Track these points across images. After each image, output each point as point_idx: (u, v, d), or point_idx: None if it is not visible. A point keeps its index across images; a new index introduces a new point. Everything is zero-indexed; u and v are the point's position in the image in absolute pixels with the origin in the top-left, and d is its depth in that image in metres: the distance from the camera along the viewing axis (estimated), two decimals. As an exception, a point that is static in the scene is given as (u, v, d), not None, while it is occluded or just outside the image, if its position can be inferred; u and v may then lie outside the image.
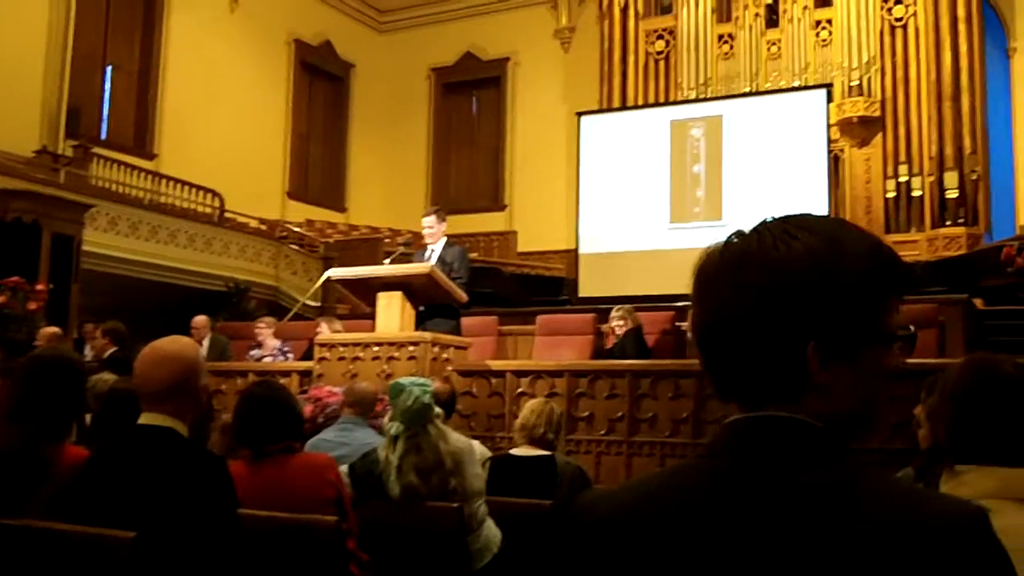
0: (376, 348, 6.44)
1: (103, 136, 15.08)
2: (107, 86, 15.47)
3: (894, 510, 0.92)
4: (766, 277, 1.00)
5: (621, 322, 7.90)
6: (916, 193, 14.10)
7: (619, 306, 8.26)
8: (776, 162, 13.25)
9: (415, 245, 8.41)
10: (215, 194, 14.77)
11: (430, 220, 7.45)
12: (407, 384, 3.53)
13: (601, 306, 9.96)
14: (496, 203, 18.57)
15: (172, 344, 2.62)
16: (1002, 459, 1.61)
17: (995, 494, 1.54)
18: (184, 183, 14.55)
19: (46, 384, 2.91)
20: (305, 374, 7.05)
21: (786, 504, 0.94)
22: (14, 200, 10.39)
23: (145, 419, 2.53)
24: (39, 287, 9.69)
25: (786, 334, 0.99)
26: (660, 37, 16.09)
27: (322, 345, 6.83)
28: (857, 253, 1.02)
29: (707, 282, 1.06)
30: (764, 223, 1.06)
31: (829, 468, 0.97)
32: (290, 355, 9.23)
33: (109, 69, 15.49)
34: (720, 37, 15.51)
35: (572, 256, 14.93)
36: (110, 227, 11.94)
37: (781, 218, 1.06)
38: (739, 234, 1.06)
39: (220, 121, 16.15)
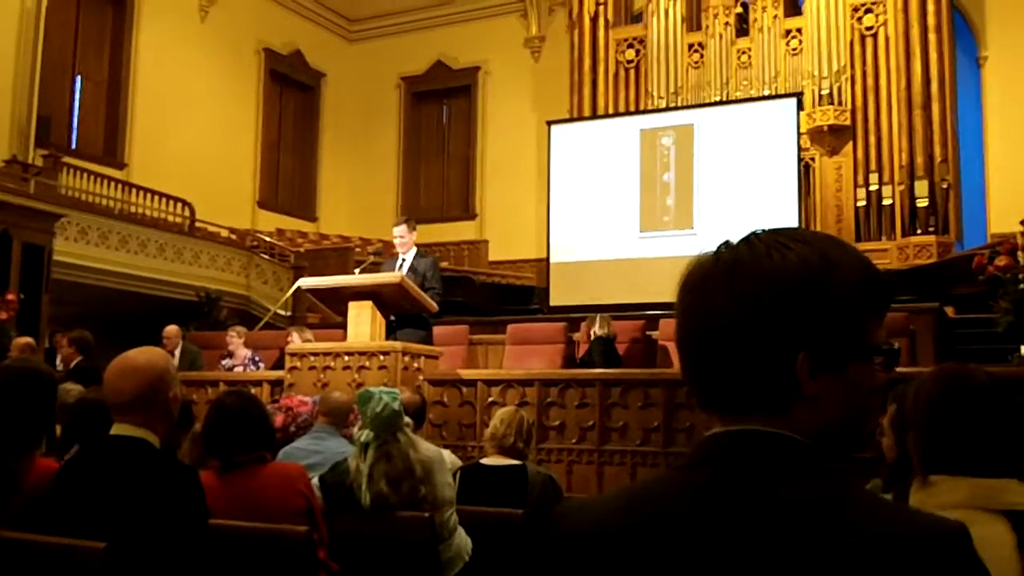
0: (347, 357, 6.44)
1: (73, 146, 14.99)
2: (77, 96, 15.38)
3: (876, 526, 0.92)
4: (760, 285, 1.00)
5: (594, 328, 7.95)
6: (887, 202, 14.24)
7: (597, 313, 8.31)
8: (746, 171, 13.35)
9: (386, 254, 8.43)
10: (185, 203, 14.70)
11: (401, 230, 7.47)
12: (376, 392, 3.55)
13: (572, 315, 10.02)
14: (467, 212, 18.60)
15: (142, 355, 2.62)
16: (974, 469, 1.62)
17: (967, 504, 1.56)
18: (154, 193, 14.48)
19: (14, 396, 2.90)
20: (276, 383, 7.04)
21: (769, 519, 0.94)
22: (-18, 210, 10.31)
23: (116, 430, 2.53)
24: (10, 297, 9.60)
25: (777, 343, 0.99)
26: (630, 46, 16.19)
27: (293, 355, 6.83)
28: (849, 266, 1.03)
29: (697, 290, 1.05)
30: (754, 234, 1.06)
31: (813, 483, 0.96)
32: (261, 364, 9.22)
33: (79, 79, 15.40)
34: (690, 46, 15.62)
35: (543, 265, 14.97)
36: (80, 237, 11.87)
37: (771, 230, 1.06)
38: (727, 244, 1.06)
39: (190, 130, 16.09)
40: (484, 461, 4.25)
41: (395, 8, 19.38)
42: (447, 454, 4.05)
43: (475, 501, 3.86)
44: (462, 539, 3.61)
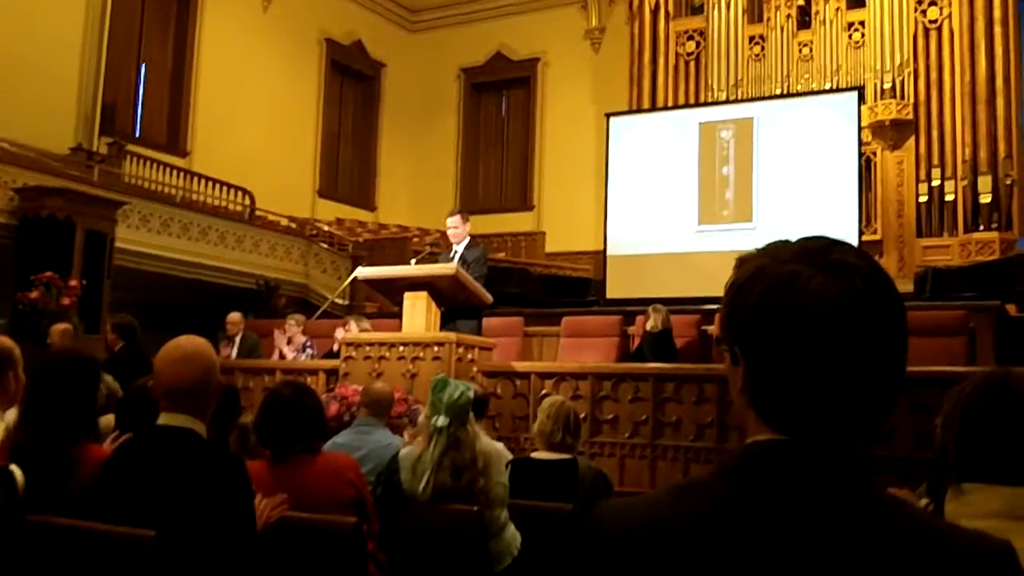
0: (401, 348, 6.47)
1: (137, 134, 15.22)
2: (141, 84, 15.62)
3: (920, 544, 0.92)
4: (900, 305, 1.01)
5: (649, 321, 7.88)
6: (949, 197, 13.94)
7: (654, 306, 8.23)
8: (806, 165, 13.16)
9: (443, 245, 8.44)
10: (246, 192, 14.87)
11: (454, 220, 7.49)
12: (451, 379, 3.58)
13: (628, 308, 9.95)
14: (524, 204, 18.57)
15: (190, 343, 2.62)
16: (1008, 477, 1.57)
17: (1004, 514, 1.51)
18: (215, 181, 14.66)
19: (59, 383, 2.92)
20: (332, 372, 7.09)
21: (813, 533, 0.93)
22: (48, 197, 10.52)
23: (164, 419, 2.55)
24: (72, 283, 9.80)
25: (901, 370, 1.01)
26: (691, 38, 16.02)
27: (348, 344, 6.87)
28: None
29: (853, 310, 0.98)
30: (849, 248, 1.03)
31: (858, 499, 0.96)
32: (312, 352, 9.27)
33: (143, 67, 15.63)
34: (751, 38, 15.41)
35: (600, 257, 14.90)
36: (142, 224, 12.05)
37: (851, 248, 1.03)
38: (853, 262, 1.01)
39: (251, 119, 16.26)
40: (534, 455, 4.23)
41: (455, -1, 19.42)
42: (502, 447, 4.05)
43: (524, 495, 3.85)
44: (512, 534, 3.61)
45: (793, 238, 1.05)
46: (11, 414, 3.05)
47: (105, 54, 14.17)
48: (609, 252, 14.36)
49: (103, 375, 4.42)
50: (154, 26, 15.71)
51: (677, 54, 16.05)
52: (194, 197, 14.27)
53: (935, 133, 14.18)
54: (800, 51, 15.03)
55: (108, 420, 3.85)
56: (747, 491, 0.98)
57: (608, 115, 15.12)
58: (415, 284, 6.69)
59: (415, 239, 16.06)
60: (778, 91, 14.79)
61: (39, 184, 10.73)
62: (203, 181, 14.59)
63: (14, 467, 2.57)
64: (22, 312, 9.56)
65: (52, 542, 2.52)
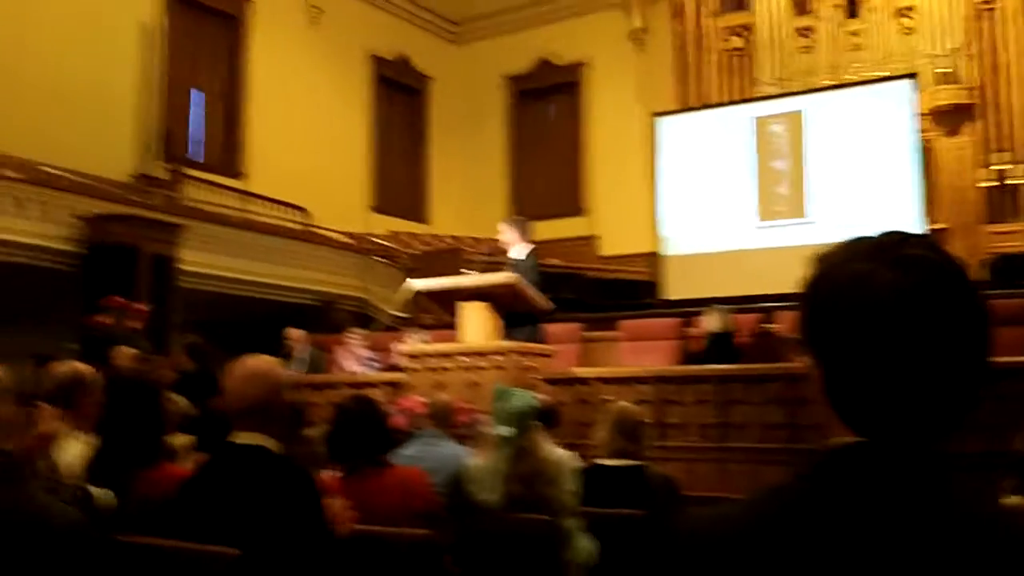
0: (462, 358, 6.50)
1: (194, 158, 15.48)
2: (196, 109, 15.89)
3: (1004, 548, 0.91)
4: (978, 301, 1.00)
5: (710, 322, 7.83)
6: (1014, 181, 13.65)
7: (713, 306, 8.18)
8: (862, 155, 12.98)
9: (497, 254, 8.47)
10: (301, 210, 15.04)
11: (501, 228, 7.53)
12: (513, 389, 3.59)
13: (686, 309, 9.89)
14: (576, 208, 18.54)
15: (258, 362, 2.67)
16: None
17: None
18: (272, 200, 14.88)
19: (126, 407, 2.98)
20: (395, 385, 7.15)
21: (892, 537, 0.92)
22: (113, 224, 10.74)
23: (237, 437, 2.59)
24: (140, 307, 9.98)
25: (982, 365, 0.99)
26: (736, 34, 15.90)
27: (409, 356, 6.92)
28: None
29: (925, 306, 0.97)
30: (919, 238, 1.02)
31: (938, 501, 0.95)
32: (377, 365, 9.38)
33: (198, 93, 15.91)
34: (799, 30, 15.26)
35: (655, 259, 14.83)
36: (203, 246, 12.23)
37: (925, 241, 1.02)
38: (925, 255, 1.00)
39: (304, 138, 16.46)
40: (601, 461, 4.23)
41: (498, 8, 19.45)
42: (568, 456, 4.04)
43: (594, 502, 3.84)
44: (584, 543, 3.60)
45: (870, 233, 1.04)
46: (90, 436, 3.13)
47: (161, 82, 14.45)
48: (664, 252, 14.29)
49: (174, 396, 4.51)
50: (206, 52, 15.98)
51: (723, 50, 15.94)
52: (252, 217, 14.47)
53: (996, 117, 13.91)
54: (850, 40, 14.84)
55: (182, 440, 3.93)
56: (827, 496, 0.97)
57: (655, 115, 15.05)
58: (472, 294, 6.72)
59: (469, 249, 16.11)
60: (829, 82, 14.61)
61: (103, 212, 10.95)
62: (260, 201, 14.81)
63: (96, 489, 2.63)
64: (92, 337, 9.76)
65: (138, 560, 2.57)
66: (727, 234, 13.70)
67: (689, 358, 7.93)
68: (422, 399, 5.64)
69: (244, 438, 2.58)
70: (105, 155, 13.23)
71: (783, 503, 1.00)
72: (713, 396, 5.93)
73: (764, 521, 0.99)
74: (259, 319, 12.07)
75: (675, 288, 13.74)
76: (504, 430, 3.53)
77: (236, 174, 15.69)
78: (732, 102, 15.24)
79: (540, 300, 6.74)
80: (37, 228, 10.56)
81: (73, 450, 3.10)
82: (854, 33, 14.84)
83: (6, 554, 2.08)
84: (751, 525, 1.00)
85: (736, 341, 7.97)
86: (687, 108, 15.58)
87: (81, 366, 3.53)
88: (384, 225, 18.01)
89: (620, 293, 14.00)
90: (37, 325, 10.98)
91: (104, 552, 2.48)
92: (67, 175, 11.40)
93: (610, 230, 17.75)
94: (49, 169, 11.52)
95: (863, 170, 12.89)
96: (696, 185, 14.16)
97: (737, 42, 15.89)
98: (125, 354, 8.44)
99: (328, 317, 12.90)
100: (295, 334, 9.89)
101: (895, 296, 0.97)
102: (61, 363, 3.65)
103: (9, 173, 10.94)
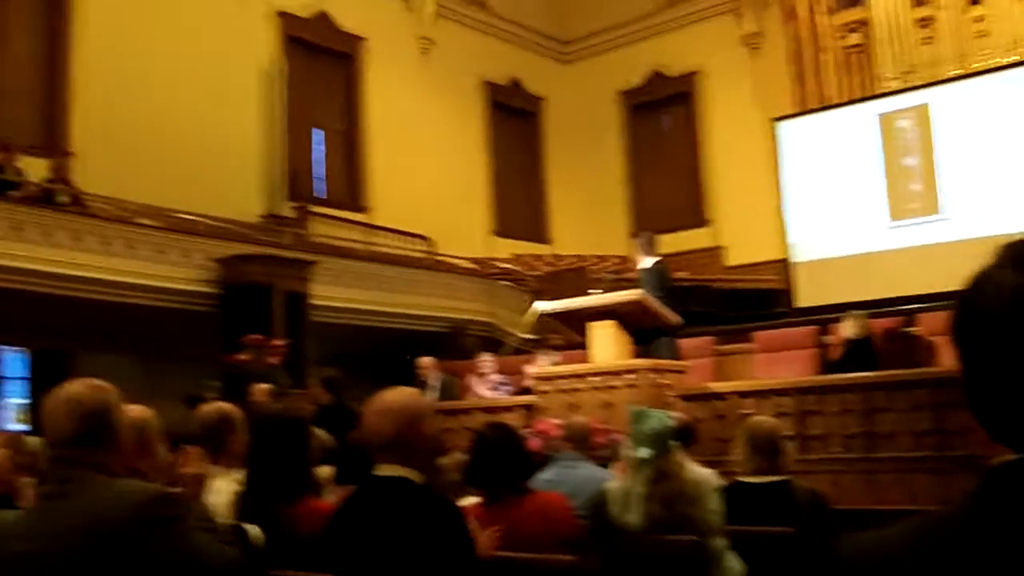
0: (594, 378, 6.47)
1: (318, 195, 15.92)
2: (318, 147, 16.35)
3: None
4: None
5: (846, 329, 7.62)
6: None
7: (850, 312, 7.95)
8: (997, 145, 12.45)
9: (622, 271, 8.41)
10: (425, 239, 15.29)
11: (633, 244, 7.49)
12: (649, 410, 3.55)
13: (821, 316, 9.64)
14: (698, 219, 18.31)
15: (396, 395, 2.70)
16: None
17: None
18: (396, 231, 15.19)
19: (273, 443, 3.03)
20: (528, 408, 7.16)
21: None
22: (247, 264, 11.11)
23: (379, 470, 2.62)
24: (277, 342, 10.30)
25: None
26: (852, 30, 15.49)
27: (541, 379, 6.92)
28: None
29: None
30: None
31: None
32: (508, 389, 9.42)
33: (318, 131, 16.38)
34: (918, 21, 14.75)
35: (784, 266, 14.52)
36: (333, 280, 12.53)
37: None
38: None
39: (423, 169, 16.75)
40: (743, 479, 4.13)
41: (607, 24, 19.45)
42: (709, 472, 3.97)
43: (739, 520, 3.75)
44: (732, 564, 3.52)
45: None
46: (239, 474, 3.21)
47: (283, 123, 14.93)
48: (794, 259, 13.98)
49: (314, 429, 4.61)
50: (324, 91, 16.44)
51: (840, 48, 15.55)
52: (377, 249, 14.78)
53: None
54: (974, 27, 14.27)
55: (323, 472, 4.00)
56: (988, 520, 0.91)
57: (775, 119, 14.77)
58: (600, 313, 6.68)
59: (593, 267, 16.09)
60: (955, 72, 14.08)
61: (238, 253, 11.35)
62: (384, 232, 15.13)
63: (249, 526, 2.69)
64: (232, 375, 10.11)
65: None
66: (858, 236, 13.32)
67: (828, 367, 7.69)
68: (557, 421, 5.63)
69: (384, 470, 2.60)
70: (235, 198, 13.74)
71: (948, 529, 0.94)
72: (856, 405, 5.74)
73: (930, 549, 0.94)
74: (390, 348, 12.30)
75: (807, 295, 13.42)
76: (642, 452, 3.48)
77: (360, 208, 16.05)
78: (853, 100, 14.84)
79: (669, 315, 6.66)
80: (177, 273, 11.03)
81: (222, 489, 3.19)
82: (978, 19, 14.27)
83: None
84: (916, 553, 0.94)
85: (875, 347, 7.71)
86: (807, 110, 15.24)
87: (226, 406, 3.63)
88: (506, 248, 18.15)
89: (750, 303, 13.74)
90: (181, 365, 11.44)
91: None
92: (202, 220, 11.86)
93: (736, 239, 17.46)
94: (184, 215, 12.01)
95: (998, 161, 12.35)
96: (822, 188, 13.83)
97: (854, 39, 15.47)
98: (262, 390, 8.75)
99: (457, 343, 13.04)
100: (426, 362, 10.02)
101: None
102: (207, 404, 3.77)
103: (148, 222, 11.45)
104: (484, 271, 15.79)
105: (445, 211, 16.63)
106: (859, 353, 7.37)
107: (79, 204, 10.97)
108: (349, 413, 7.95)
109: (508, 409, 7.54)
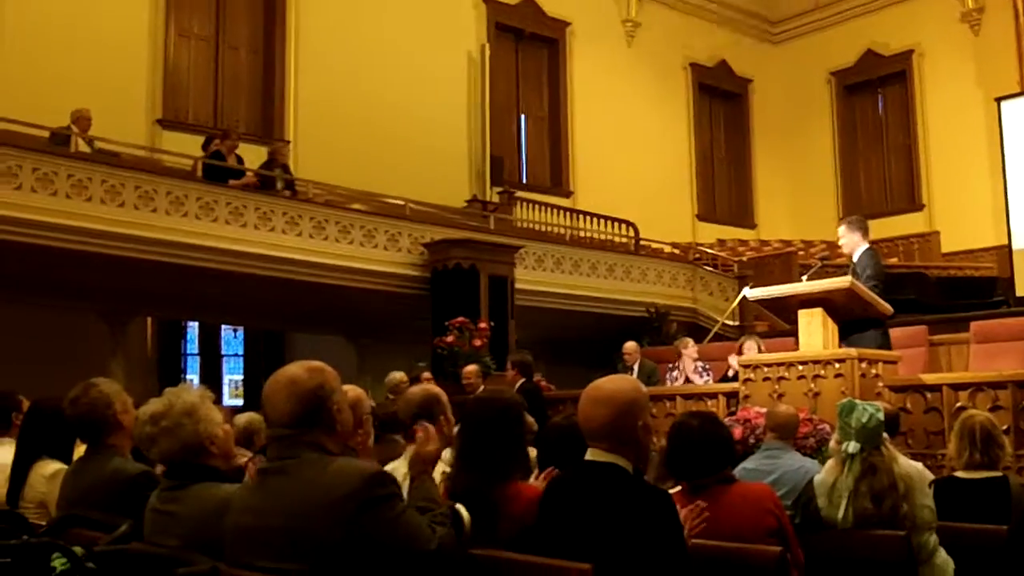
0: (801, 367, 6.36)
1: (523, 180, 16.24)
2: (522, 133, 16.67)
3: None
4: None
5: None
6: None
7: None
8: None
9: (832, 256, 8.23)
10: (629, 224, 15.34)
11: (841, 230, 7.30)
12: (859, 402, 3.50)
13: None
14: (912, 203, 17.55)
15: (611, 384, 2.74)
16: None
17: None
18: (599, 216, 15.31)
19: (491, 425, 3.13)
20: (731, 396, 7.13)
21: None
22: (453, 248, 11.50)
23: (590, 455, 2.70)
24: (482, 325, 10.64)
25: None
26: (1091, 0, 14.46)
27: (746, 366, 6.87)
28: None
29: None
30: None
31: None
32: (710, 376, 9.37)
33: (522, 117, 16.69)
34: None
35: (1005, 253, 13.73)
36: (537, 264, 12.78)
37: None
38: None
39: (627, 153, 16.78)
40: (958, 474, 4.03)
41: (818, 2, 18.88)
42: (920, 467, 3.88)
43: (951, 516, 3.67)
44: (944, 560, 3.45)
45: None
46: (447, 455, 3.34)
47: (488, 109, 15.30)
48: (1016, 246, 13.21)
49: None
50: (528, 77, 16.75)
51: (1076, 20, 14.54)
52: (581, 234, 14.95)
53: None
54: None
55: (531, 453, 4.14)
56: None
57: (998, 99, 13.97)
58: (808, 301, 6.57)
59: (800, 253, 15.72)
60: None
61: (445, 237, 11.75)
62: (588, 218, 15.27)
63: (459, 506, 2.78)
64: (440, 355, 10.53)
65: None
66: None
67: (1052, 361, 7.29)
68: (761, 410, 5.61)
69: (595, 456, 2.67)
70: (441, 183, 14.20)
71: None
72: (1083, 401, 5.45)
73: None
74: (594, 333, 12.44)
75: (1031, 283, 12.67)
76: (851, 446, 3.44)
77: (564, 193, 16.27)
78: (1089, 76, 13.85)
79: (879, 303, 6.48)
80: (386, 256, 11.52)
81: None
82: None
83: (383, 573, 2.29)
84: None
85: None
86: (1035, 88, 14.34)
87: (433, 387, 3.77)
88: (710, 234, 17.97)
89: (966, 292, 13.06)
90: (389, 346, 11.99)
91: (467, 569, 2.65)
92: (409, 204, 12.34)
93: (952, 225, 16.63)
94: (392, 200, 12.54)
95: None
96: (1050, 170, 12.98)
97: (1091, 9, 14.43)
98: (472, 371, 9.10)
99: (660, 329, 13.04)
100: (630, 347, 10.10)
101: None
102: (415, 386, 3.93)
103: (359, 207, 11.99)
104: (687, 256, 15.69)
105: (648, 195, 16.62)
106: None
107: (292, 190, 11.60)
108: (538, 395, 8.18)
109: (711, 396, 7.53)
